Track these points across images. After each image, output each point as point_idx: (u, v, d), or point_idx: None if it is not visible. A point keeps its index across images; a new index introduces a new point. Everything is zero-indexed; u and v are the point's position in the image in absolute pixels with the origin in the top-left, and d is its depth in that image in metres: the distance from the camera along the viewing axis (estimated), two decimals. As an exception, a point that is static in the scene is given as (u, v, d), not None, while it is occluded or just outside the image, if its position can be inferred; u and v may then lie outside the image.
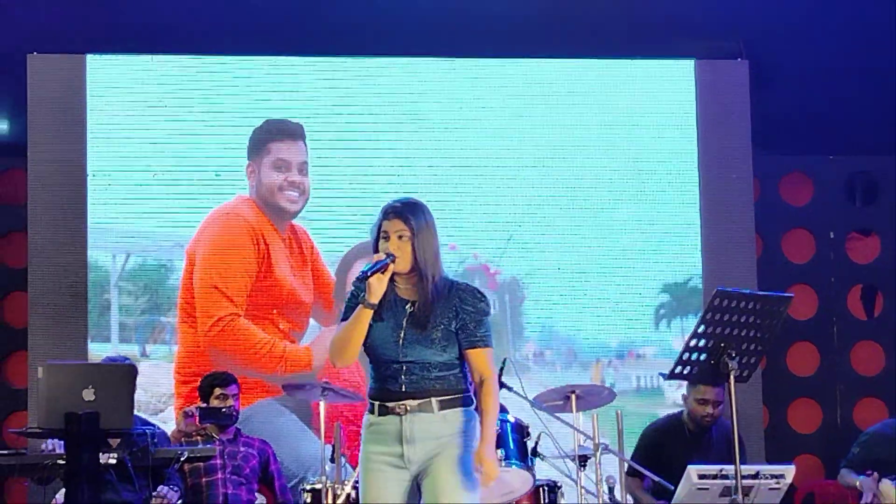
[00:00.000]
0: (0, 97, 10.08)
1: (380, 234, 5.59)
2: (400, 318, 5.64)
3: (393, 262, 5.46)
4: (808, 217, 10.63)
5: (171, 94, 9.80)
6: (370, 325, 5.58)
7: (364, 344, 5.62)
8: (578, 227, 10.05)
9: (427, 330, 5.60)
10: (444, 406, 5.63)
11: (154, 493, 8.02)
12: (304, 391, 8.46)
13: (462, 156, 10.02)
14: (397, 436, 5.62)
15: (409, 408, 5.60)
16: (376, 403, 5.66)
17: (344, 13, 9.90)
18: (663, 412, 9.25)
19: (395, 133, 10.00)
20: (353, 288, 5.64)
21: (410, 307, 5.64)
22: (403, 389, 5.63)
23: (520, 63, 10.19)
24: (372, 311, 5.52)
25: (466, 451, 5.64)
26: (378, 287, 5.48)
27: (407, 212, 5.59)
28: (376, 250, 5.57)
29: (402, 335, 5.60)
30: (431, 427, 5.62)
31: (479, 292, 5.69)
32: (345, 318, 5.64)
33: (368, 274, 5.40)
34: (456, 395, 5.69)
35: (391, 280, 5.54)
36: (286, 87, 9.96)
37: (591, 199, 10.07)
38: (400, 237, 5.55)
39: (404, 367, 5.62)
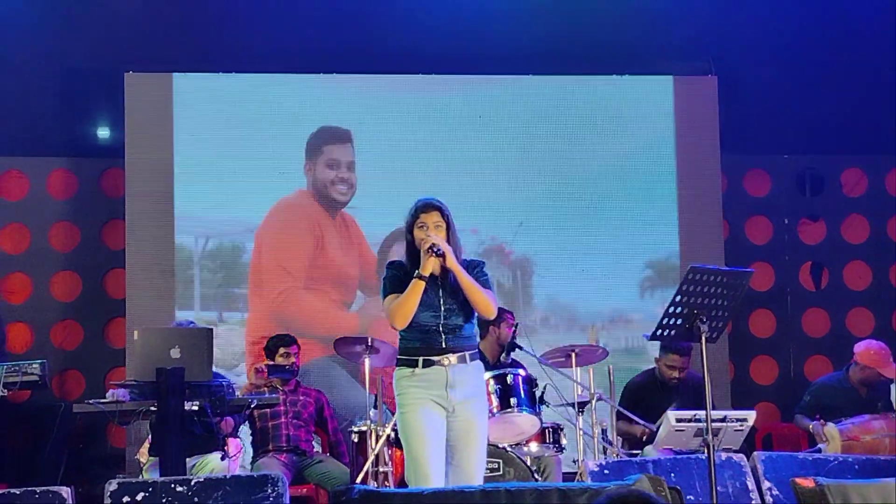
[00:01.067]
0: (102, 109, 10.02)
1: (415, 223, 5.91)
2: (437, 290, 5.93)
3: (443, 256, 5.81)
4: (767, 206, 10.57)
5: (241, 105, 9.77)
6: None
7: None
8: (578, 215, 10.01)
9: (459, 298, 5.90)
10: (472, 358, 6.01)
11: (227, 437, 8.03)
12: (351, 349, 8.43)
13: (481, 156, 9.95)
14: (443, 383, 5.88)
15: (450, 361, 5.90)
16: (420, 358, 5.91)
17: (382, 39, 9.91)
18: (647, 367, 9.21)
19: (427, 137, 9.93)
20: (388, 269, 6.04)
21: (440, 280, 5.93)
22: (444, 346, 5.90)
23: (532, 80, 10.15)
24: (424, 283, 5.81)
25: (485, 401, 6.23)
26: (432, 265, 5.81)
27: (442, 206, 5.93)
28: (410, 233, 5.92)
29: (440, 303, 5.90)
30: (466, 375, 5.94)
31: (482, 263, 6.15)
32: (390, 292, 5.95)
33: (438, 251, 5.77)
34: (476, 350, 6.10)
35: (416, 263, 5.89)
36: (337, 99, 9.90)
37: (587, 193, 10.02)
38: (437, 226, 5.90)
39: (444, 329, 5.91)
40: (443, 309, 5.93)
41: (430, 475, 5.82)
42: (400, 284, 5.90)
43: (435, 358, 5.91)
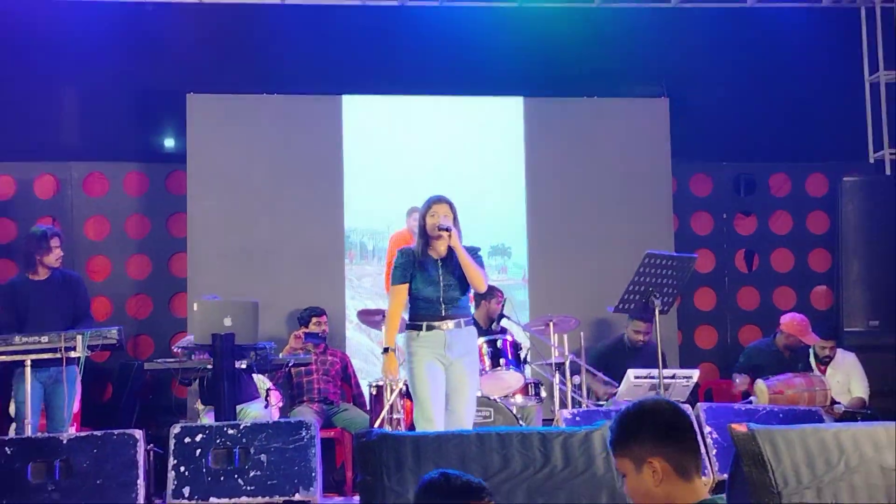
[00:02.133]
0: (168, 122, 10.03)
1: (428, 212, 6.17)
2: (438, 269, 6.16)
3: (450, 234, 6.06)
4: (708, 203, 10.56)
5: (275, 122, 9.75)
6: (418, 274, 6.18)
7: (414, 286, 6.19)
8: (567, 212, 9.94)
9: (456, 274, 6.12)
10: (466, 324, 6.21)
11: (269, 390, 8.04)
12: (371, 318, 8.44)
13: (496, 168, 9.95)
14: (442, 343, 6.10)
15: (448, 326, 6.11)
16: (424, 323, 6.14)
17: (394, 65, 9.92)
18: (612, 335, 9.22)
19: (449, 159, 9.87)
20: (399, 256, 6.32)
21: (441, 262, 6.16)
22: (443, 314, 6.11)
23: (513, 101, 10.10)
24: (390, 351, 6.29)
25: (476, 359, 6.39)
26: (440, 245, 6.16)
27: (450, 201, 6.19)
28: (423, 220, 6.17)
29: (440, 279, 6.08)
30: (461, 338, 6.15)
31: (478, 249, 6.32)
32: (397, 281, 6.24)
33: (447, 228, 6.05)
34: (469, 317, 6.29)
35: (426, 245, 6.20)
36: (358, 119, 9.88)
37: (574, 194, 9.97)
38: (445, 216, 6.14)
39: (443, 301, 6.12)
40: (442, 284, 6.12)
41: (433, 416, 6.01)
42: (405, 273, 6.19)
43: (436, 323, 6.11)
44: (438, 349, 6.09)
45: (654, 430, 2.99)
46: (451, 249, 6.12)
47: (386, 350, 6.32)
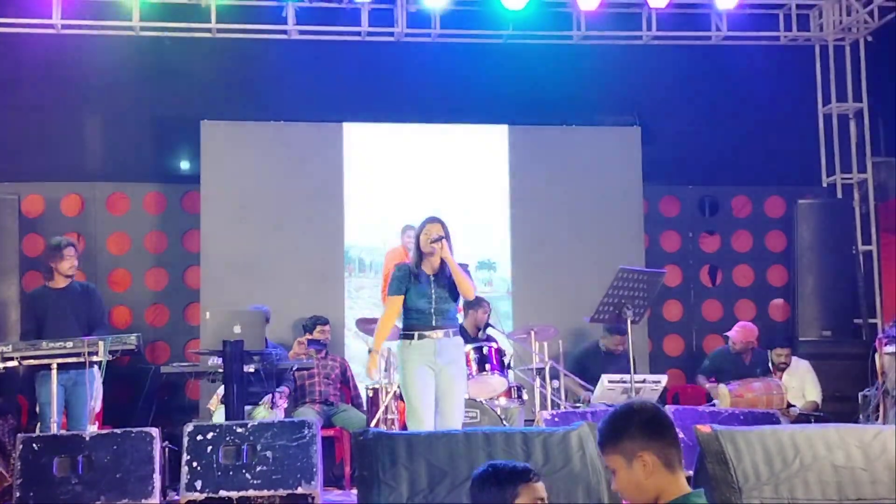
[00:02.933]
0: (184, 147, 10.00)
1: (422, 231, 6.16)
2: (430, 284, 6.14)
3: (442, 246, 6.05)
4: (676, 223, 10.59)
5: (283, 148, 9.75)
6: (412, 287, 6.17)
7: (408, 299, 6.16)
8: (547, 230, 9.94)
9: (446, 289, 6.12)
10: (454, 334, 6.19)
11: (276, 390, 8.02)
12: (368, 326, 8.42)
13: (483, 189, 9.92)
14: (432, 351, 6.08)
15: (438, 335, 6.10)
16: (416, 333, 6.13)
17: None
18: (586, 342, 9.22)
19: (440, 181, 9.85)
20: (396, 270, 6.31)
21: (434, 277, 6.13)
22: (434, 324, 6.10)
23: (515, 129, 10.11)
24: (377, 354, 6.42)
25: (463, 367, 6.38)
26: (434, 259, 6.11)
27: (442, 221, 6.18)
28: (418, 239, 6.16)
29: (432, 293, 6.08)
30: (449, 346, 6.14)
31: (467, 265, 6.36)
32: (393, 293, 6.24)
33: (437, 238, 6.03)
34: (456, 328, 6.27)
35: (420, 261, 6.21)
36: (366, 146, 9.88)
37: (554, 214, 9.98)
38: (438, 235, 6.11)
39: (434, 312, 6.11)
40: (434, 297, 6.11)
41: (423, 417, 6.01)
42: (401, 285, 6.20)
43: (427, 333, 6.10)
44: (429, 356, 6.09)
45: (643, 427, 3.00)
46: (442, 265, 6.11)
47: (370, 351, 6.35)
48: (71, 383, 7.26)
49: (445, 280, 6.14)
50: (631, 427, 3.00)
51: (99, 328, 7.45)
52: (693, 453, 4.67)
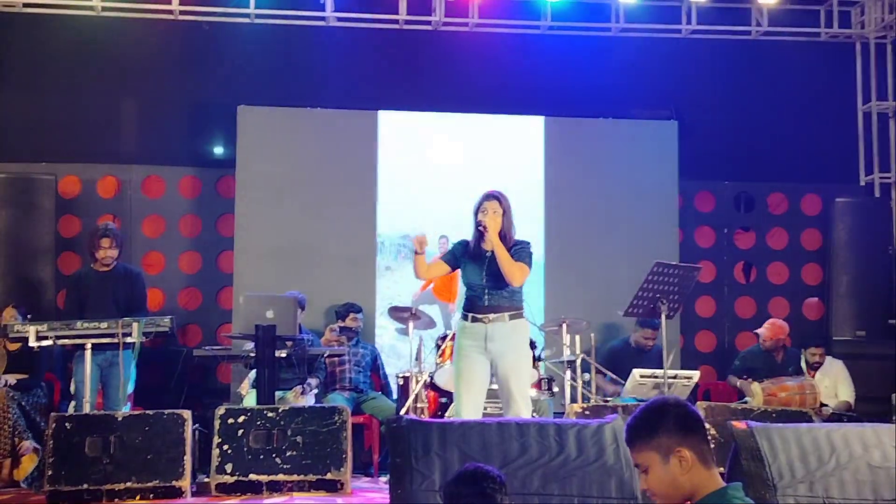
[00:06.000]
0: (220, 131, 9.99)
1: (479, 208, 5.90)
2: (484, 262, 5.87)
3: (485, 229, 5.81)
4: (711, 219, 10.51)
5: (315, 134, 9.76)
6: (468, 264, 5.94)
7: (463, 276, 5.99)
8: (581, 223, 9.90)
9: (499, 269, 5.79)
10: (512, 318, 5.86)
11: (307, 381, 8.04)
12: (400, 315, 8.42)
13: (518, 180, 9.54)
14: (483, 336, 5.81)
15: (490, 319, 5.81)
16: (470, 315, 5.88)
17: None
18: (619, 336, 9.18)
19: (474, 171, 9.80)
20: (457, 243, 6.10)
21: (491, 254, 5.85)
22: (486, 304, 5.85)
23: (551, 120, 10.04)
24: (422, 256, 5.84)
25: (524, 353, 5.96)
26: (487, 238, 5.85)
27: (500, 197, 5.94)
28: (476, 215, 5.90)
29: (484, 272, 5.85)
30: (505, 332, 5.83)
31: (528, 244, 6.00)
32: (448, 256, 6.06)
33: (480, 224, 5.82)
34: (518, 310, 5.92)
35: (480, 238, 5.92)
36: (388, 133, 9.87)
37: (588, 206, 9.92)
38: (495, 212, 5.88)
39: (487, 291, 5.84)
40: (485, 275, 5.86)
41: (463, 404, 5.79)
42: (451, 256, 6.05)
43: (479, 315, 5.85)
44: (480, 342, 5.84)
45: (680, 422, 2.93)
46: (503, 240, 5.87)
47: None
48: (107, 364, 7.33)
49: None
50: (667, 422, 2.93)
51: (138, 312, 7.50)
52: (723, 450, 4.64)
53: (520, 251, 5.92)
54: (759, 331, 8.85)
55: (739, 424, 4.47)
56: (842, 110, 10.69)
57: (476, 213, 5.92)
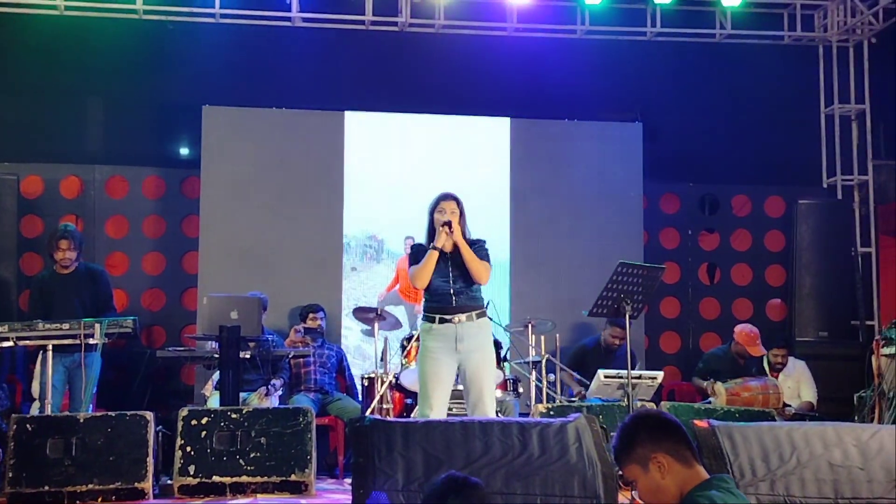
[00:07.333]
0: (185, 132, 9.95)
1: (436, 208, 5.92)
2: (447, 263, 5.88)
3: (452, 231, 5.80)
4: (676, 220, 10.56)
5: (281, 133, 9.72)
6: None
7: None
8: (546, 223, 9.91)
9: (465, 268, 5.83)
10: (479, 316, 5.90)
11: (270, 383, 7.99)
12: (365, 315, 8.40)
13: (484, 181, 9.79)
14: (453, 337, 5.79)
15: (459, 319, 5.82)
16: (437, 316, 5.85)
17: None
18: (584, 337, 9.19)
19: (440, 172, 9.81)
20: (412, 249, 6.06)
21: (451, 255, 5.88)
22: (455, 305, 5.85)
23: (516, 122, 10.07)
24: (437, 253, 5.81)
25: (490, 350, 5.96)
26: (444, 239, 5.83)
27: (457, 198, 5.94)
28: (431, 216, 5.92)
29: (451, 273, 5.84)
30: (472, 331, 5.84)
31: (483, 241, 6.00)
32: (412, 264, 5.96)
33: (445, 223, 5.79)
34: (482, 309, 5.97)
35: (434, 236, 5.91)
36: (362, 134, 9.85)
37: (554, 207, 9.94)
38: (452, 212, 5.89)
39: (454, 292, 5.84)
40: (452, 276, 5.87)
41: (432, 406, 5.77)
42: (419, 258, 5.93)
43: (448, 317, 5.83)
44: (450, 343, 5.83)
45: (651, 431, 3.08)
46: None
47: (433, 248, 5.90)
48: (74, 366, 7.28)
49: (463, 257, 5.87)
50: (640, 434, 3.09)
51: (105, 310, 7.45)
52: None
53: (479, 249, 5.94)
54: (736, 330, 8.80)
55: (701, 423, 4.49)
56: (805, 113, 10.79)
57: (432, 213, 5.92)
